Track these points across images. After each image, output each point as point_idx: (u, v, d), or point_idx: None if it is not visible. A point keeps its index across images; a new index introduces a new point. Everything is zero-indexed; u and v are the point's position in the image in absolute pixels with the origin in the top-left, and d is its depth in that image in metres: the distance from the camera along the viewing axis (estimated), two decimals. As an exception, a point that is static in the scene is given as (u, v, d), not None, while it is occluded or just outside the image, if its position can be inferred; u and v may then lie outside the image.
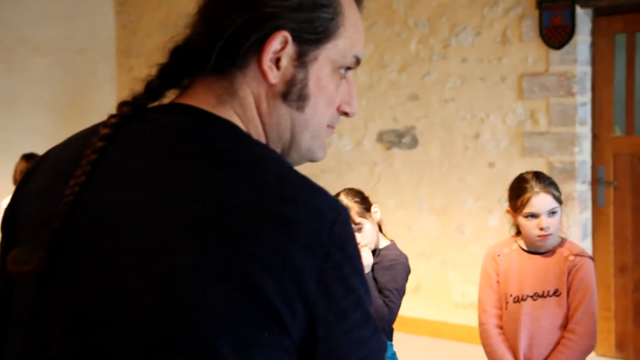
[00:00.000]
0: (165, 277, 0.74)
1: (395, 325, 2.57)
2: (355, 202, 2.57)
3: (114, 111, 0.87)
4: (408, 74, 4.66)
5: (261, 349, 0.74)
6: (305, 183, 0.80)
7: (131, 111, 0.86)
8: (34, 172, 0.92)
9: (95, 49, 6.01)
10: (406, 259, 2.60)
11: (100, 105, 5.75)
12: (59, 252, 0.79)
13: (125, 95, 0.90)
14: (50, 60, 5.73)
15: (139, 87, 0.88)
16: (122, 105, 0.87)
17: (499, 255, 2.61)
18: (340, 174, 4.88)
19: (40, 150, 1.37)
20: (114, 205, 0.80)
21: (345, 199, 2.59)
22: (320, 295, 0.75)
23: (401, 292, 2.54)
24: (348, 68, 0.92)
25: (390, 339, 2.61)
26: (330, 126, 0.94)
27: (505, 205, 2.64)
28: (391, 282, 2.52)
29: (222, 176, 0.78)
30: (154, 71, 0.89)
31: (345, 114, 0.94)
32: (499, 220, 4.08)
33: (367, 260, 2.50)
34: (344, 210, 0.79)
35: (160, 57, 0.90)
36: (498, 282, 2.59)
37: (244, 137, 0.84)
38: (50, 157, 0.92)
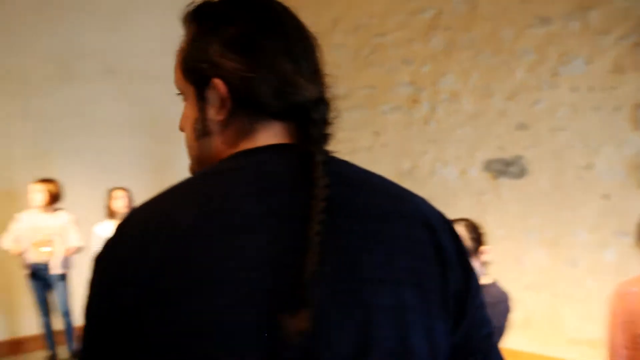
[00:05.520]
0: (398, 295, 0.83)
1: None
2: (471, 237, 2.54)
3: None
4: (516, 103, 4.61)
5: (441, 329, 0.87)
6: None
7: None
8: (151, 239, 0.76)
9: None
10: (508, 298, 2.54)
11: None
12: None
13: None
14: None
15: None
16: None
17: (627, 294, 2.55)
18: (447, 203, 4.86)
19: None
20: (345, 240, 0.82)
21: (461, 230, 2.53)
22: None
23: (501, 332, 2.50)
24: None
25: None
26: None
27: (623, 239, 2.58)
28: (492, 322, 2.46)
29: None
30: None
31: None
32: (616, 254, 3.96)
33: None
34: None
35: None
36: (628, 321, 2.53)
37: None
38: (171, 221, 0.76)
